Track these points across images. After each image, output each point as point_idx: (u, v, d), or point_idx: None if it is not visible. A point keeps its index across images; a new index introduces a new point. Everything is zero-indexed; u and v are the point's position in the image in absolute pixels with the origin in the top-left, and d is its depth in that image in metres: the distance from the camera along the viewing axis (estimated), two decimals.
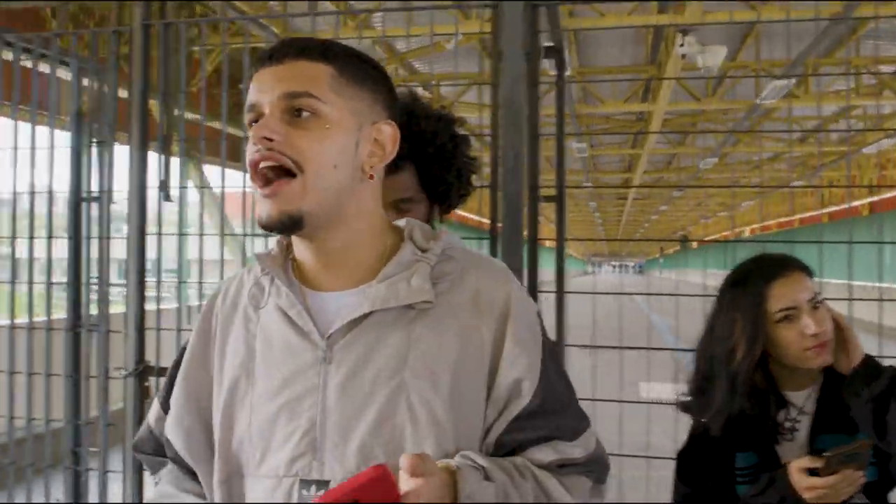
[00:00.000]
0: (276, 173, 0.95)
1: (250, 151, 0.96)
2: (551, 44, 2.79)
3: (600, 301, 2.55)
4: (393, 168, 1.21)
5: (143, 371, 2.63)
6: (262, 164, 0.95)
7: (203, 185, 2.64)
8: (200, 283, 2.69)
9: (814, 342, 1.45)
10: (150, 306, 2.74)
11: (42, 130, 3.03)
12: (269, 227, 0.96)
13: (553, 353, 1.06)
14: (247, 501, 0.99)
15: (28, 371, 2.95)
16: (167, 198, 2.52)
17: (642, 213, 36.89)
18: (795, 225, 25.43)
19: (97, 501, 2.90)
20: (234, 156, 3.11)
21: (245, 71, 2.47)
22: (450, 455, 0.95)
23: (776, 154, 16.67)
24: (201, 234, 2.60)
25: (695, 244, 38.07)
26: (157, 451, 1.14)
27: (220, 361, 1.05)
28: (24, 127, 3.00)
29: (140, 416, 2.67)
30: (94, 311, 3.03)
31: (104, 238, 2.89)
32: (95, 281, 2.94)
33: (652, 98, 11.11)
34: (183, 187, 2.58)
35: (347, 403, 0.95)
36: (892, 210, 16.03)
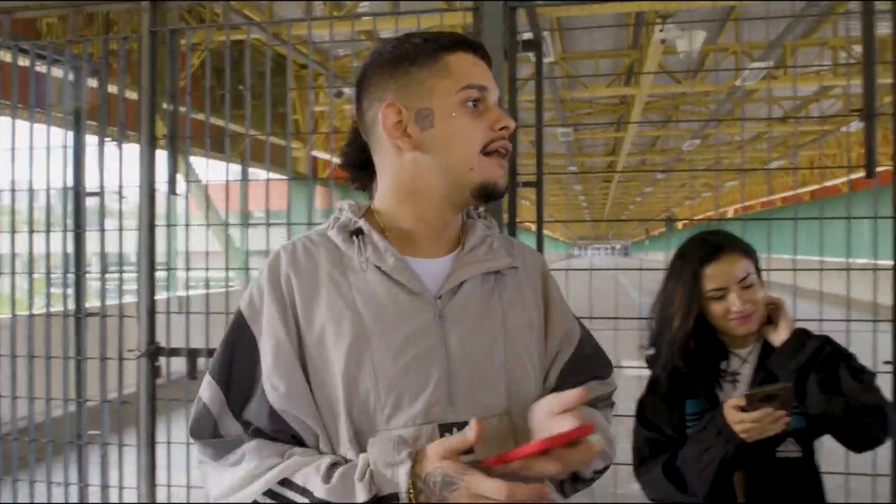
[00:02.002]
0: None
1: (498, 136, 1.11)
2: (530, 37, 2.99)
3: (588, 284, 2.75)
4: None
5: (154, 351, 2.82)
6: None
7: (201, 180, 2.81)
8: (207, 270, 2.89)
9: (737, 315, 1.71)
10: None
11: (43, 129, 3.21)
12: (501, 194, 1.13)
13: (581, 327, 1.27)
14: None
15: (30, 355, 3.11)
16: (174, 192, 2.71)
17: (627, 195, 37.14)
18: (777, 204, 25.79)
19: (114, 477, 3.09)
20: (220, 148, 3.27)
21: (227, 65, 2.65)
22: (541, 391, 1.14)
23: (756, 134, 16.92)
24: (208, 225, 2.79)
25: (680, 225, 38.38)
26: (215, 432, 1.09)
27: (308, 326, 1.08)
28: (29, 126, 3.18)
29: (152, 393, 2.88)
30: (94, 300, 3.21)
31: (104, 231, 3.09)
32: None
33: (634, 82, 11.31)
34: (193, 181, 2.76)
35: (470, 353, 1.08)
36: (866, 189, 16.32)
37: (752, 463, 1.71)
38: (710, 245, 1.75)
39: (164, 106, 2.83)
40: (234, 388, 1.09)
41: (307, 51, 8.33)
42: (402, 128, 1.11)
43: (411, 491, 0.95)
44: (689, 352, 1.75)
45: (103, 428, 3.16)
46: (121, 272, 3.16)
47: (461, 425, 1.02)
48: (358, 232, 1.13)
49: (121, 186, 2.83)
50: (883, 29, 9.78)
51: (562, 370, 1.19)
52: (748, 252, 1.76)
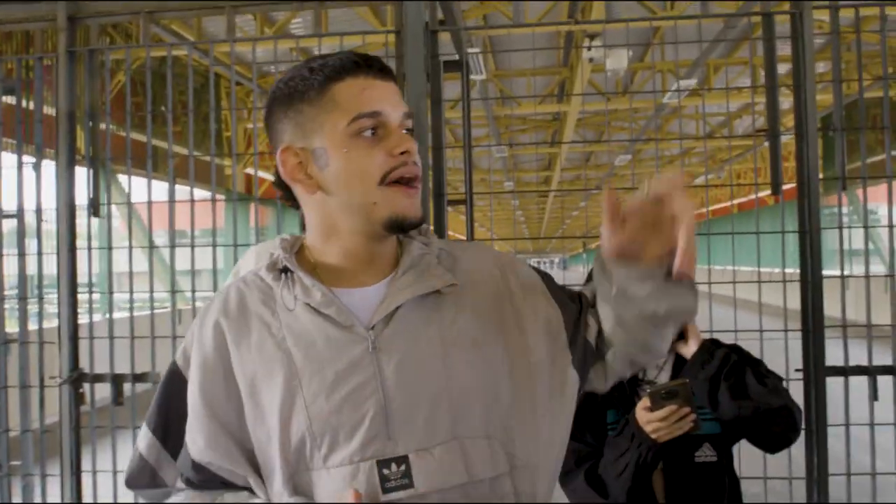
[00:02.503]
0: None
1: (398, 163, 1.04)
2: (455, 58, 3.05)
3: None
4: None
5: (78, 378, 2.75)
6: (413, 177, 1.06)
7: (125, 202, 2.75)
8: (131, 293, 2.83)
9: None
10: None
11: None
12: (415, 224, 1.07)
13: (547, 276, 1.21)
14: (315, 496, 1.02)
15: None
16: (96, 214, 2.66)
17: (564, 209, 37.75)
18: (704, 217, 26.56)
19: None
20: (154, 167, 3.25)
21: (147, 82, 2.63)
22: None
23: (685, 150, 17.46)
24: (131, 247, 2.74)
25: None
26: (152, 482, 1.11)
27: (240, 371, 1.06)
28: None
29: (76, 421, 2.80)
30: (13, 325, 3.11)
31: (22, 255, 2.99)
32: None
33: (566, 99, 11.56)
34: (114, 203, 2.71)
35: (407, 383, 1.02)
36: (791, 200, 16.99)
37: (671, 467, 1.78)
38: None
39: (88, 124, 2.79)
40: (172, 437, 1.09)
41: (238, 68, 8.24)
42: (303, 170, 1.08)
43: None
44: None
45: (25, 458, 3.05)
46: (41, 296, 3.07)
47: (400, 459, 1.00)
48: (286, 270, 1.10)
49: (39, 207, 2.75)
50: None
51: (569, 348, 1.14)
52: None
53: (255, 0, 2.46)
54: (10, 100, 3.09)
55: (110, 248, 2.76)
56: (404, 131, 1.07)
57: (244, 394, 1.05)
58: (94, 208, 2.65)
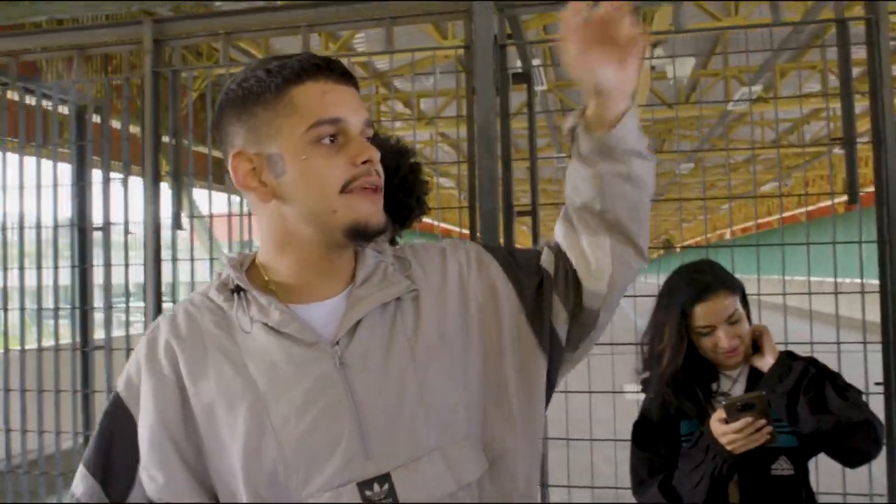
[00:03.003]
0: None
1: (360, 172, 0.99)
2: (520, 70, 3.09)
3: None
4: None
5: None
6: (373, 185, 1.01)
7: (203, 215, 2.87)
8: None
9: (725, 350, 1.79)
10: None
11: (48, 165, 3.30)
12: (378, 232, 1.02)
13: (499, 250, 1.16)
14: None
15: (39, 389, 3.17)
16: (179, 226, 2.78)
17: None
18: (774, 225, 25.88)
19: None
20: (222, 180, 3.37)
21: None
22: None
23: (750, 156, 17.06)
24: (211, 259, 2.85)
25: (677, 249, 38.36)
26: None
27: (197, 399, 0.98)
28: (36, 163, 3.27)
29: None
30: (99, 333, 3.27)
31: (108, 266, 3.15)
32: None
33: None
34: (196, 216, 2.84)
35: (380, 398, 0.97)
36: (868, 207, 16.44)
37: (747, 479, 1.76)
38: (697, 284, 1.81)
39: (165, 140, 2.91)
40: (113, 480, 0.98)
41: None
42: (257, 176, 1.01)
43: None
44: (679, 382, 1.82)
45: None
46: (127, 305, 3.22)
47: (382, 479, 0.94)
48: (238, 289, 1.03)
49: (127, 221, 2.90)
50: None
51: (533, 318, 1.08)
52: (734, 288, 1.82)
53: (329, 21, 2.54)
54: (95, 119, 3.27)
55: (192, 260, 2.87)
56: (365, 139, 1.02)
57: (202, 425, 0.97)
58: (177, 221, 2.78)
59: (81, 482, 0.99)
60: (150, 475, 0.96)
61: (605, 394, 2.79)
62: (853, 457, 1.80)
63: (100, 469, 0.99)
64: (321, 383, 0.97)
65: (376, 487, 0.94)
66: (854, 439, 1.74)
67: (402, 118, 11.67)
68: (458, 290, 1.09)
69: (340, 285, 1.05)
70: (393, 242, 1.85)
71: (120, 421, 0.99)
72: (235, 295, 1.02)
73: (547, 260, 1.11)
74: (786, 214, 23.36)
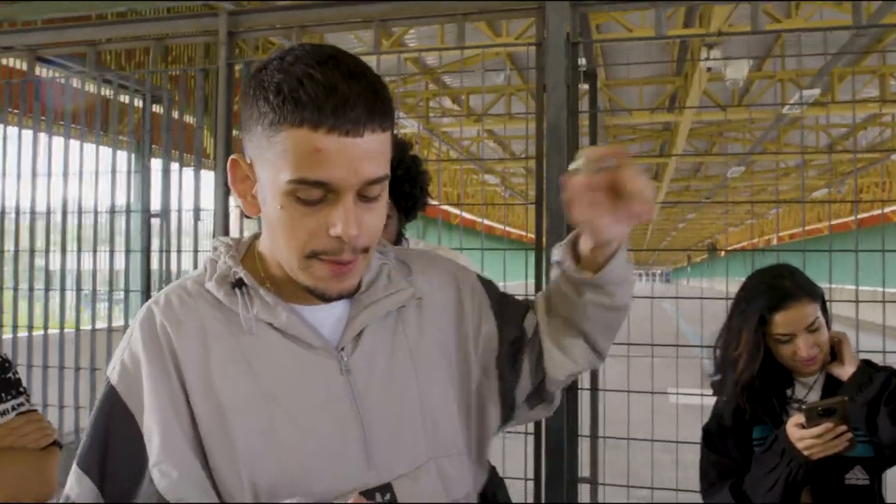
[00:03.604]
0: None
1: (330, 246, 0.88)
2: (584, 68, 3.08)
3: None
4: None
5: None
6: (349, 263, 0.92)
7: None
8: None
9: (804, 359, 1.75)
10: None
11: (123, 154, 3.40)
12: (341, 297, 0.95)
13: (491, 285, 1.15)
14: None
15: (92, 368, 3.28)
16: (248, 215, 2.83)
17: (669, 220, 36.81)
18: (825, 232, 25.31)
19: None
20: None
21: None
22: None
23: (802, 161, 16.72)
24: None
25: (722, 253, 37.82)
26: None
27: (199, 392, 0.91)
28: (108, 152, 3.38)
29: None
30: None
31: (166, 251, 3.24)
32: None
33: (678, 111, 11.32)
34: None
35: (384, 406, 0.96)
36: None
37: (820, 487, 1.74)
38: (778, 292, 1.77)
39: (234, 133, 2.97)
40: (110, 480, 0.90)
41: None
42: (250, 187, 0.92)
43: None
44: (754, 388, 1.79)
45: None
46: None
47: (384, 488, 0.93)
48: (240, 283, 0.95)
49: (197, 208, 2.97)
50: None
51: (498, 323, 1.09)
52: (815, 296, 1.78)
53: (403, 16, 2.56)
54: (157, 109, 3.36)
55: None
56: (359, 198, 0.88)
57: (206, 420, 0.90)
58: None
59: (77, 483, 0.91)
60: (162, 471, 0.88)
61: (645, 394, 2.77)
62: None
63: (96, 469, 0.91)
64: (328, 390, 0.93)
65: (378, 496, 0.92)
66: None
67: (452, 114, 11.69)
68: (456, 305, 1.08)
69: None
70: (400, 235, 1.91)
71: (117, 417, 0.91)
72: (237, 290, 0.94)
73: (530, 323, 1.12)
74: (836, 222, 22.88)
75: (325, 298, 0.93)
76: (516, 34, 8.41)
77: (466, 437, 1.05)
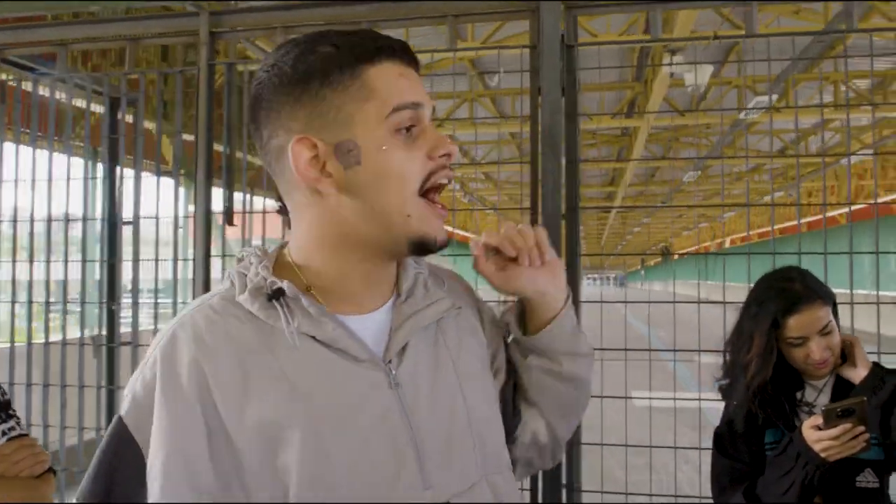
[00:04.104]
0: None
1: (439, 166, 0.91)
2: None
3: (585, 313, 2.71)
4: None
5: None
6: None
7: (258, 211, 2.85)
8: None
9: (816, 362, 1.75)
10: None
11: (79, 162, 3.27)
12: (440, 249, 0.94)
13: (489, 310, 1.14)
14: None
15: (62, 384, 3.13)
16: (230, 223, 2.74)
17: (624, 225, 37.34)
18: (776, 235, 25.90)
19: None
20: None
21: None
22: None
23: (756, 166, 17.10)
24: None
25: (675, 256, 38.55)
26: None
27: (237, 423, 0.83)
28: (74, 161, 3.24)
29: None
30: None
31: (137, 261, 3.11)
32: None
33: (637, 115, 11.46)
34: (249, 212, 2.79)
35: (435, 422, 0.91)
36: (868, 219, 16.52)
37: (831, 490, 1.73)
38: (790, 295, 1.76)
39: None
40: None
41: None
42: (319, 165, 0.88)
43: None
44: (765, 393, 1.78)
45: None
46: (156, 301, 3.17)
47: None
48: (277, 294, 0.88)
49: (177, 216, 2.86)
50: (885, 64, 9.94)
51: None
52: (826, 299, 1.78)
53: (389, 18, 2.51)
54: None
55: (222, 257, 2.84)
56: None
57: (245, 455, 0.82)
58: (228, 217, 2.73)
59: None
60: None
61: (617, 399, 2.78)
62: None
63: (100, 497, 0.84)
64: (379, 407, 0.88)
65: None
66: None
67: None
68: (479, 325, 1.08)
69: (382, 296, 0.96)
70: None
71: (124, 453, 0.84)
72: (276, 303, 0.88)
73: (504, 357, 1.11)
74: (782, 225, 23.48)
75: (432, 248, 0.92)
76: (482, 39, 8.41)
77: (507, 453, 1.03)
